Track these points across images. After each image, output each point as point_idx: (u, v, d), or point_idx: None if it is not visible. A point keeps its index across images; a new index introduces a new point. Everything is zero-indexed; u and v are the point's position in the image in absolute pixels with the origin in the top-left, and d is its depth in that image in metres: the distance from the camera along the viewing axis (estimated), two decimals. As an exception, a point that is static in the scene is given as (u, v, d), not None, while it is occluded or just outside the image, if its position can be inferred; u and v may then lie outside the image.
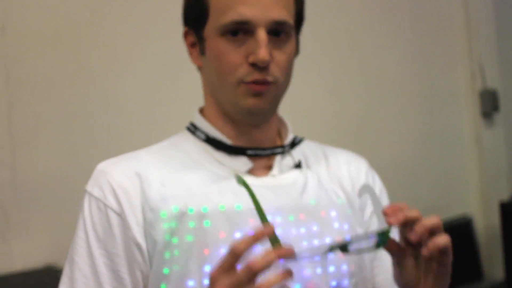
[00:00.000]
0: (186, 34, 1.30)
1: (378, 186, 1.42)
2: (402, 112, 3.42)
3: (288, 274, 0.99)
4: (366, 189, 1.18)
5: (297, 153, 1.34)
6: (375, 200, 1.16)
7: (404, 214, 1.06)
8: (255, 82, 1.20)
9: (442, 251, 1.08)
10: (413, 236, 1.06)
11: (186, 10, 1.29)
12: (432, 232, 1.07)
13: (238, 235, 1.17)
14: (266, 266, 0.97)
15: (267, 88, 1.21)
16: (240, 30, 1.19)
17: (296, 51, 1.29)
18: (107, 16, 2.43)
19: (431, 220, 1.07)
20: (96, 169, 1.25)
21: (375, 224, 1.35)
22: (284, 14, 1.20)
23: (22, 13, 2.24)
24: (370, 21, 3.31)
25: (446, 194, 3.58)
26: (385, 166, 3.28)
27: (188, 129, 1.32)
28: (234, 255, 0.99)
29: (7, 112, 2.21)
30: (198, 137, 1.29)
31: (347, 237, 1.19)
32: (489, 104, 3.64)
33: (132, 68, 2.48)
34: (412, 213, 1.07)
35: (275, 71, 1.20)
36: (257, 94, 1.20)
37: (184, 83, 2.58)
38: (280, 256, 0.98)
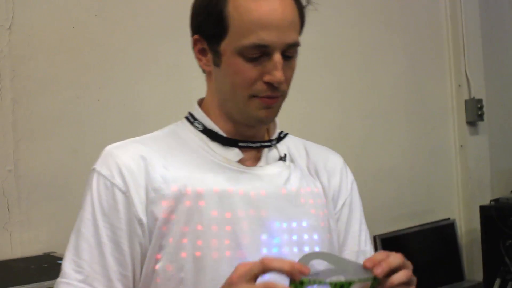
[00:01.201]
0: (196, 42, 1.37)
1: (350, 181, 1.55)
2: (392, 122, 3.55)
3: None
4: (312, 256, 1.24)
5: (282, 147, 1.47)
6: (333, 259, 1.24)
7: (388, 265, 1.19)
8: (267, 97, 1.32)
9: None
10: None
11: (201, 21, 1.35)
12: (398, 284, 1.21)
13: (228, 215, 1.31)
14: None
15: (276, 101, 1.33)
16: (258, 52, 1.28)
17: None
18: (110, 18, 2.54)
19: (399, 277, 1.20)
20: (105, 151, 1.35)
21: (345, 214, 1.49)
22: (296, 36, 1.32)
23: (28, 14, 2.34)
24: (363, 38, 3.42)
25: (432, 199, 3.70)
26: (374, 172, 3.41)
27: (187, 119, 1.44)
28: (263, 266, 1.11)
29: (11, 107, 2.30)
30: (196, 127, 1.40)
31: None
32: (474, 113, 3.76)
33: (135, 68, 2.59)
34: (395, 260, 1.21)
35: (284, 86, 1.34)
36: (267, 107, 1.33)
37: (189, 86, 2.68)
38: None
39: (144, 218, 1.29)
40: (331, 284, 1.15)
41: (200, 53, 1.38)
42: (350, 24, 3.37)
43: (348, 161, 3.43)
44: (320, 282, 1.15)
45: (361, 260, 1.40)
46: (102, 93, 2.51)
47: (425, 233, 3.55)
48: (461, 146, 3.79)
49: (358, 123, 3.38)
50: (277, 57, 1.28)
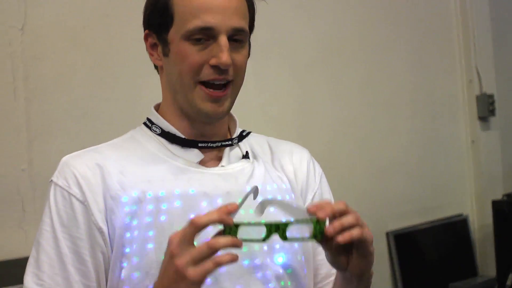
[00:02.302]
0: (147, 36, 1.40)
1: (318, 173, 1.52)
2: (403, 117, 3.55)
3: (235, 257, 1.10)
4: (266, 203, 1.24)
5: (244, 145, 1.46)
6: (284, 205, 1.23)
7: (331, 208, 1.17)
8: (214, 86, 1.30)
9: (359, 240, 1.19)
10: (330, 230, 1.16)
11: (149, 15, 1.38)
12: (349, 226, 1.17)
13: (192, 216, 1.27)
14: (226, 245, 1.09)
15: (224, 94, 1.32)
16: (203, 36, 1.29)
17: (248, 54, 1.40)
18: (121, 17, 2.54)
19: (348, 219, 1.17)
20: (61, 162, 1.35)
21: None
22: (242, 22, 1.32)
23: (40, 15, 2.36)
24: (372, 33, 3.43)
25: (444, 194, 3.69)
26: (385, 168, 3.42)
27: (145, 124, 1.43)
28: (194, 226, 1.09)
29: (25, 107, 2.32)
30: (153, 131, 1.39)
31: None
32: (486, 108, 3.76)
33: (146, 67, 2.58)
34: (339, 206, 1.18)
35: (233, 72, 1.32)
36: (215, 100, 1.32)
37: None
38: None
39: (104, 227, 1.28)
40: (266, 225, 1.14)
41: (152, 48, 1.40)
42: (358, 18, 3.37)
43: (359, 156, 3.47)
44: (255, 224, 1.14)
45: None
46: (114, 92, 2.53)
47: (438, 229, 3.55)
48: (473, 141, 3.78)
49: (368, 120, 3.38)
50: (223, 39, 1.29)
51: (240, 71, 1.35)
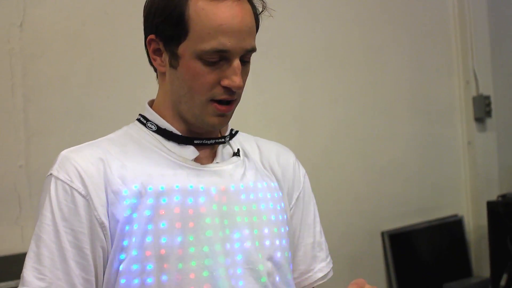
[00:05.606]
0: (151, 41, 1.39)
1: (302, 174, 1.58)
2: (400, 118, 3.57)
3: None
4: None
5: (234, 143, 1.50)
6: None
7: None
8: (222, 102, 1.34)
9: None
10: None
11: (159, 22, 1.35)
12: None
13: (191, 211, 1.32)
14: None
15: (231, 108, 1.37)
16: (217, 56, 1.31)
17: None
18: (121, 15, 2.55)
19: None
20: (60, 155, 1.34)
21: (300, 207, 1.53)
22: (253, 42, 1.35)
23: (39, 12, 2.37)
24: (369, 36, 3.45)
25: (439, 195, 3.71)
26: (382, 169, 3.43)
27: (139, 120, 1.44)
28: None
29: (23, 104, 2.33)
30: (149, 127, 1.41)
31: None
32: (482, 109, 3.77)
33: (145, 65, 2.59)
34: None
35: (239, 90, 1.36)
36: (222, 115, 1.36)
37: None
38: None
39: (106, 221, 1.29)
40: None
41: (155, 53, 1.40)
42: (356, 21, 3.38)
43: (357, 157, 3.48)
44: None
45: (317, 252, 1.48)
46: (112, 90, 2.54)
47: (433, 229, 3.57)
48: (469, 142, 3.79)
49: (365, 120, 3.39)
50: (237, 62, 1.32)
51: (243, 88, 1.38)
